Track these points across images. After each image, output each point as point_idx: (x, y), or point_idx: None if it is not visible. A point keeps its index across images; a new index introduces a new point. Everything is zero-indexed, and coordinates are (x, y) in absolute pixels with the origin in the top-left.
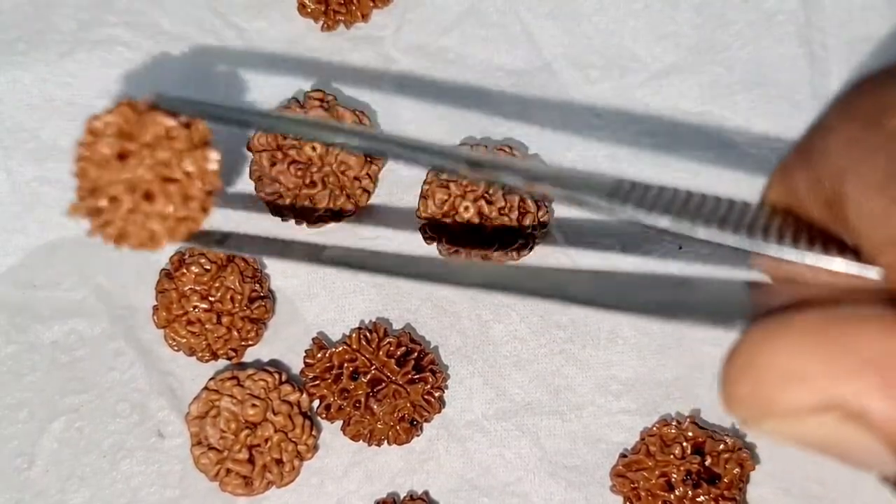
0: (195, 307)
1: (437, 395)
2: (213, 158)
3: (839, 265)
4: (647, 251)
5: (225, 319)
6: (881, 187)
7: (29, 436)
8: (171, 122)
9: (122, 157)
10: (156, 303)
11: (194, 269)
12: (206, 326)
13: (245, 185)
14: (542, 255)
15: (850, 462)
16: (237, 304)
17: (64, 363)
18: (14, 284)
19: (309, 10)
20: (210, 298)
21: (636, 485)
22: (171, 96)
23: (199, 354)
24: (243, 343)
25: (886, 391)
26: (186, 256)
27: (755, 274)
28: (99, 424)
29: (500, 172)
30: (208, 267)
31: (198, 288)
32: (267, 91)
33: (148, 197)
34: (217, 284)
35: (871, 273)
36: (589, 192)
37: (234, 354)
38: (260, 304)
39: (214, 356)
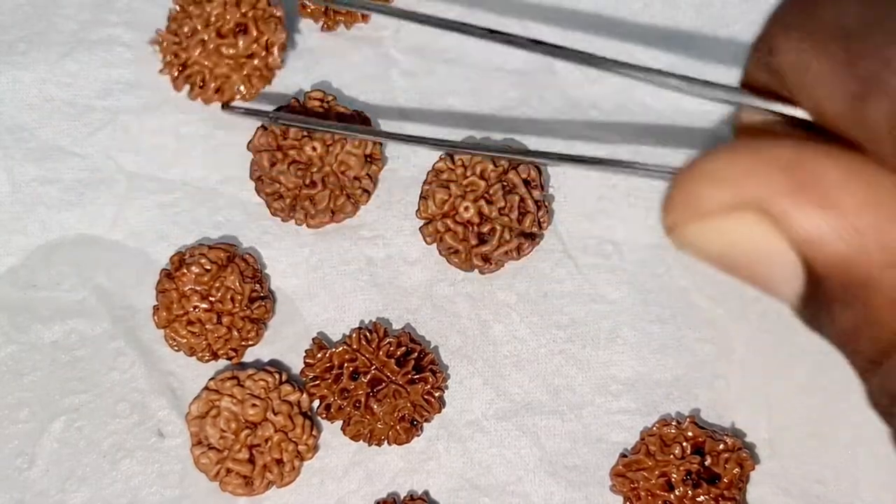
0: (195, 307)
1: (437, 395)
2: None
3: (782, 108)
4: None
5: (225, 319)
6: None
7: (29, 436)
8: None
9: None
10: (156, 303)
11: (194, 269)
12: (207, 326)
13: (246, 185)
14: (543, 255)
15: (760, 277)
16: (237, 304)
17: (64, 363)
18: (14, 284)
19: (309, 11)
20: (210, 298)
21: (636, 485)
22: None
23: (200, 354)
24: (243, 343)
25: (797, 193)
26: (187, 257)
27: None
28: (99, 424)
29: None
30: (208, 267)
31: (198, 288)
32: (266, 91)
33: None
34: (217, 284)
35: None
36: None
37: (234, 354)
38: (260, 304)
39: (215, 356)
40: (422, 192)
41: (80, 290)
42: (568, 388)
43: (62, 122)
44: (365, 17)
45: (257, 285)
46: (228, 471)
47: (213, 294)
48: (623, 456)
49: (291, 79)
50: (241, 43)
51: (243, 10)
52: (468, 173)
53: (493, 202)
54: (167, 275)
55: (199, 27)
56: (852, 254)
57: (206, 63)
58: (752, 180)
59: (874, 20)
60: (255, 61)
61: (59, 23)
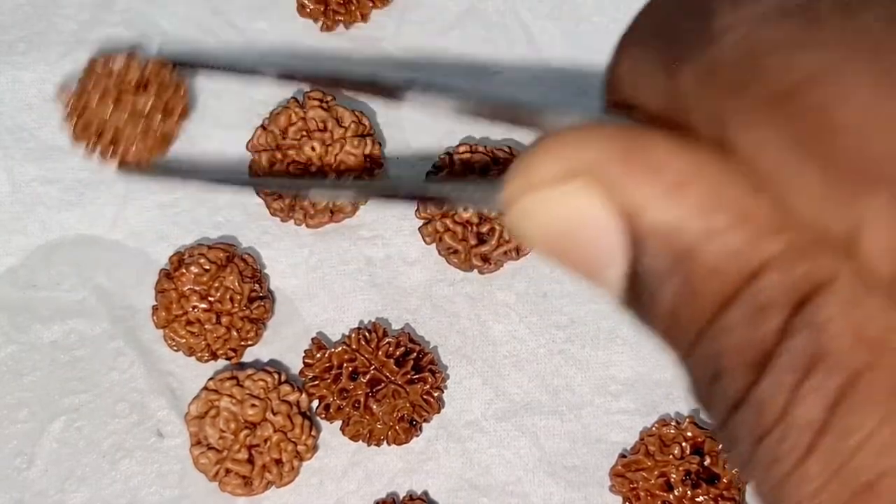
0: (194, 307)
1: (436, 395)
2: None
3: None
4: None
5: (224, 319)
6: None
7: (28, 435)
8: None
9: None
10: (155, 303)
11: (194, 269)
12: (206, 326)
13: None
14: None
15: (585, 258)
16: (237, 304)
17: (64, 363)
18: (14, 284)
19: (308, 11)
20: (209, 298)
21: (635, 485)
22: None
23: (199, 354)
24: (242, 343)
25: (625, 161)
26: (186, 257)
27: None
28: (98, 424)
29: None
30: (207, 267)
31: (197, 288)
32: (266, 91)
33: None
34: (216, 284)
35: None
36: None
37: (233, 354)
38: (259, 304)
39: (214, 356)
40: None
41: (80, 290)
42: (567, 388)
43: (62, 122)
44: (364, 17)
45: (256, 285)
46: (228, 471)
47: (213, 294)
48: (622, 456)
49: (291, 79)
50: (141, 99)
51: (148, 71)
52: (467, 172)
53: None
54: (166, 275)
55: (103, 83)
56: (674, 220)
57: (104, 116)
58: (584, 149)
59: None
60: (154, 123)
61: (58, 23)
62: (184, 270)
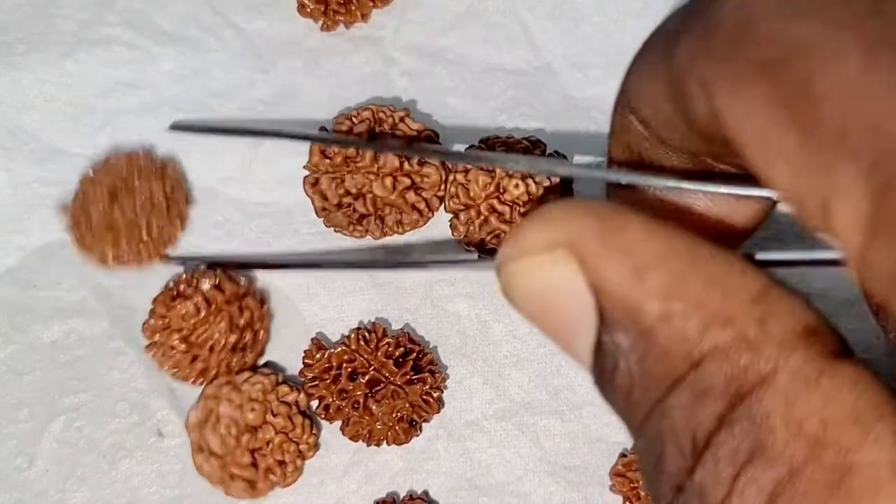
0: (172, 346)
1: (435, 395)
2: None
3: (740, 189)
4: None
5: (199, 365)
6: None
7: (28, 435)
8: None
9: None
10: (147, 316)
11: (189, 305)
12: (181, 363)
13: (245, 185)
14: None
15: (562, 326)
16: (215, 354)
17: (63, 363)
18: (14, 284)
19: (308, 10)
20: (189, 340)
21: (636, 484)
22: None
23: (172, 372)
24: (215, 377)
25: (602, 238)
26: (191, 284)
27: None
28: (99, 424)
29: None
30: (200, 307)
31: (182, 324)
32: (266, 90)
33: None
34: (200, 331)
35: (767, 192)
36: None
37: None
38: (242, 356)
39: (186, 379)
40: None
41: (80, 290)
42: (568, 387)
43: (62, 122)
44: (364, 17)
45: (248, 336)
46: (232, 476)
47: (192, 338)
48: (623, 456)
49: (289, 79)
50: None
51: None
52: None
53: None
54: (171, 296)
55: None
56: (636, 300)
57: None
58: (567, 223)
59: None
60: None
61: (58, 23)
62: (178, 304)
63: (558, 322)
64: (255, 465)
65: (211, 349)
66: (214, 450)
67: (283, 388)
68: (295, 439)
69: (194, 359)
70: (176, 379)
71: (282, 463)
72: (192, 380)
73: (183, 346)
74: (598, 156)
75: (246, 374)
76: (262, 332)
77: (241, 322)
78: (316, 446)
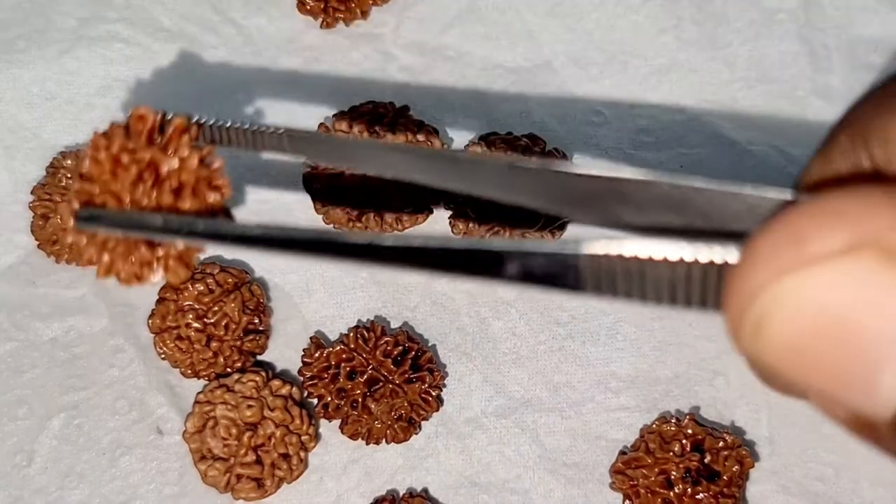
0: (188, 324)
1: (434, 393)
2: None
3: None
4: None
5: (214, 344)
6: None
7: (28, 433)
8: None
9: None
10: (154, 306)
11: (199, 286)
12: (195, 346)
13: (245, 185)
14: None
15: (851, 359)
16: (230, 333)
17: (63, 360)
18: (14, 282)
19: (308, 8)
20: (205, 320)
21: (635, 482)
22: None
23: (182, 370)
24: (228, 370)
25: None
26: (196, 272)
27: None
28: (98, 421)
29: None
30: (213, 288)
31: (197, 306)
32: (265, 88)
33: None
34: (216, 308)
35: None
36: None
37: (214, 377)
38: (253, 337)
39: (196, 375)
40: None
41: (80, 288)
42: (567, 384)
43: (63, 120)
44: (364, 14)
45: (256, 318)
46: (238, 477)
47: (209, 317)
48: (622, 453)
49: (289, 75)
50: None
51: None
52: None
53: None
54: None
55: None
56: None
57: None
58: (874, 216)
59: None
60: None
61: (57, 20)
62: (189, 285)
63: (849, 354)
64: (259, 462)
65: (226, 328)
66: (218, 454)
67: (276, 383)
68: (296, 430)
69: (209, 340)
70: (181, 367)
71: (286, 456)
72: (202, 369)
73: (198, 325)
74: (599, 152)
75: (236, 375)
76: (269, 318)
77: (252, 305)
78: (316, 437)
